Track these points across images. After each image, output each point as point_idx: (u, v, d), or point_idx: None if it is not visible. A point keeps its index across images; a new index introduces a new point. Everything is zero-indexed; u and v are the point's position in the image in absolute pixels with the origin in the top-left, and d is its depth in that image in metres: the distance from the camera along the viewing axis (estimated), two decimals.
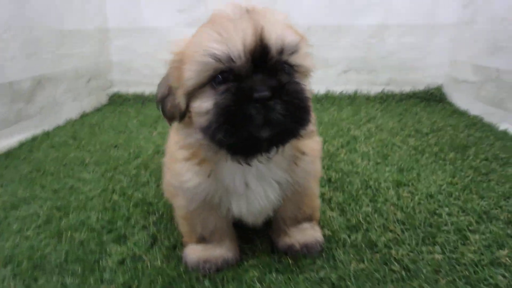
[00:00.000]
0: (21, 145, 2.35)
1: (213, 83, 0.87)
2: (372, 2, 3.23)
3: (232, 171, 1.02)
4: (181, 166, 1.03)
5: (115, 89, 3.74)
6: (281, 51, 0.85)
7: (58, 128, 2.73)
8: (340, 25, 3.32)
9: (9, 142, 2.30)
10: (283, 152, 1.01)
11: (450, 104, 3.13)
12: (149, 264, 1.18)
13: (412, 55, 3.30)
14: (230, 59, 0.83)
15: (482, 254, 1.19)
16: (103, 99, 3.60)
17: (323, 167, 1.86)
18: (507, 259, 1.15)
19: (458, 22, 3.03)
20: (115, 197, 1.63)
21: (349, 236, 1.31)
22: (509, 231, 1.30)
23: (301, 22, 3.31)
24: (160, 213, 1.49)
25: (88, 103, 3.31)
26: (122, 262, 1.20)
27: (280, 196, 1.11)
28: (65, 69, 2.94)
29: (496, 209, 1.44)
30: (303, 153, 1.07)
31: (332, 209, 1.50)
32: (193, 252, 1.18)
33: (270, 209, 1.14)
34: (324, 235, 1.28)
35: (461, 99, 3.03)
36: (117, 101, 3.63)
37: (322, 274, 1.12)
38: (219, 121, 0.84)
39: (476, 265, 1.14)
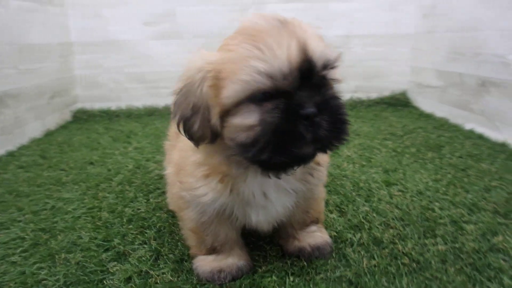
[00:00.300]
0: None
1: (253, 99, 0.82)
2: (338, 14, 3.37)
3: (251, 183, 1.00)
4: (196, 180, 1.00)
5: (79, 105, 3.58)
6: (324, 67, 0.84)
7: (23, 148, 2.55)
8: None
9: None
10: None
11: (416, 108, 3.31)
12: (158, 279, 1.12)
13: (377, 63, 3.47)
14: (279, 77, 0.79)
15: (480, 242, 1.25)
16: (67, 116, 3.43)
17: None
18: (504, 244, 1.23)
19: (419, 32, 3.24)
20: (105, 214, 1.54)
21: (354, 235, 1.33)
22: (498, 220, 1.38)
23: None
24: (158, 227, 1.43)
25: (51, 121, 3.13)
26: (129, 279, 1.13)
27: (295, 203, 1.11)
28: (27, 86, 2.77)
29: (482, 201, 1.53)
30: (318, 163, 1.09)
31: (331, 212, 1.51)
32: (205, 263, 1.14)
33: (284, 216, 1.14)
34: (330, 236, 1.29)
35: (425, 103, 3.21)
36: (82, 117, 3.48)
37: (338, 273, 1.12)
38: (268, 138, 0.81)
39: (478, 252, 1.20)
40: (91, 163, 2.22)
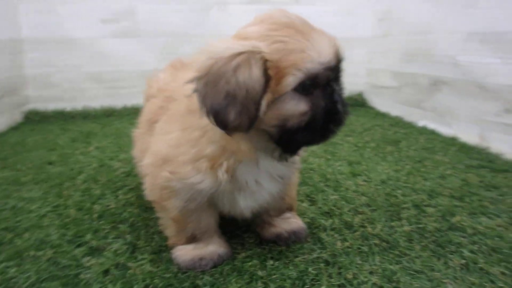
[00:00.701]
0: None
1: (299, 88, 0.89)
2: None
3: (247, 171, 1.04)
4: (190, 169, 1.01)
5: (31, 106, 3.38)
6: (341, 61, 0.96)
7: None
8: None
9: None
10: None
11: (372, 108, 3.49)
12: (137, 271, 1.10)
13: None
14: (331, 68, 0.90)
15: (441, 222, 1.36)
16: (17, 117, 3.23)
17: None
18: (462, 223, 1.34)
19: (375, 35, 3.43)
20: (73, 212, 1.48)
21: (326, 221, 1.39)
22: (455, 203, 1.50)
23: (231, 34, 3.41)
24: (131, 222, 1.40)
25: (1, 122, 2.94)
26: (106, 272, 1.10)
27: (280, 189, 1.16)
28: None
29: (439, 187, 1.66)
30: None
31: (302, 201, 1.57)
32: (185, 252, 1.14)
33: (268, 202, 1.18)
34: (306, 222, 1.34)
35: (381, 103, 3.40)
36: (34, 119, 3.29)
37: (315, 254, 1.17)
38: (321, 120, 0.92)
39: (440, 231, 1.30)
40: (50, 163, 2.12)
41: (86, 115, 3.36)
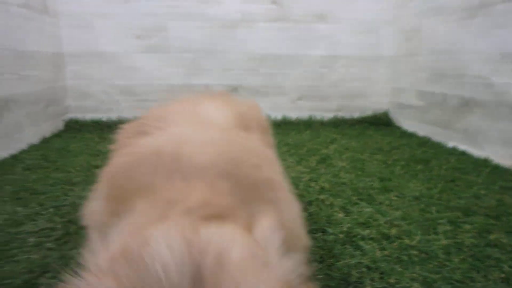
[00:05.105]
0: None
1: None
2: (322, 35, 3.59)
3: None
4: None
5: (71, 115, 3.60)
6: None
7: (23, 152, 2.55)
8: (293, 55, 3.63)
9: None
10: None
11: (397, 127, 3.55)
12: None
13: (359, 83, 3.71)
14: None
15: (477, 238, 1.41)
16: (60, 125, 3.43)
17: (312, 180, 2.03)
18: (500, 240, 1.39)
19: (400, 54, 3.51)
20: None
21: (363, 231, 1.46)
22: (490, 221, 1.55)
23: (257, 52, 3.57)
24: None
25: (46, 128, 3.13)
26: None
27: None
28: (26, 92, 2.78)
29: (474, 206, 1.70)
30: None
31: (338, 212, 1.64)
32: None
33: None
34: (343, 230, 1.42)
35: (407, 123, 3.46)
36: (74, 127, 3.49)
37: (356, 260, 1.25)
38: None
39: (477, 246, 1.35)
40: (97, 167, 2.26)
41: (121, 126, 3.53)
